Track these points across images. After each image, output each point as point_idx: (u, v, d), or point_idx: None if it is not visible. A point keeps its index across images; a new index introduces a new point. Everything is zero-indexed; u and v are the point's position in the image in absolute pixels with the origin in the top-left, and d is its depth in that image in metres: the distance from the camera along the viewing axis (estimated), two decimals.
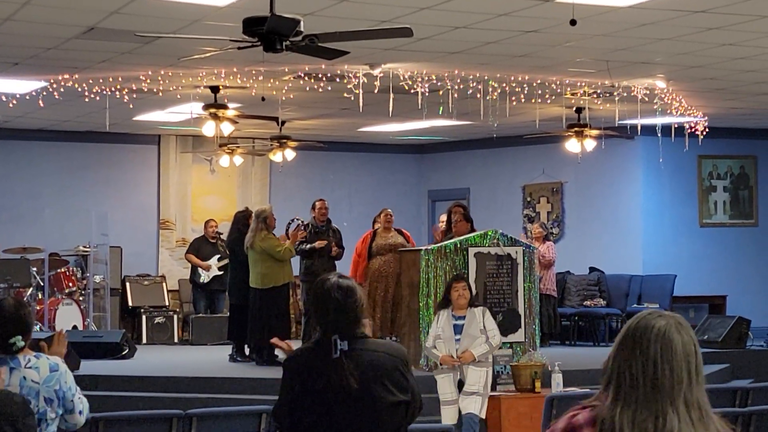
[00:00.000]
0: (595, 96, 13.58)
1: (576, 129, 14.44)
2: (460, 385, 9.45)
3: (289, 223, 12.92)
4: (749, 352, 13.96)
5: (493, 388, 10.39)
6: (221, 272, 15.50)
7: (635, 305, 16.21)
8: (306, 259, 13.03)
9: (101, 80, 12.48)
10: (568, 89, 13.21)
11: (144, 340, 15.82)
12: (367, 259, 12.88)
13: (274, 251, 12.01)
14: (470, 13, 9.58)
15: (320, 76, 12.20)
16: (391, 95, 12.37)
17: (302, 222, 13.02)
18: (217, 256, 15.91)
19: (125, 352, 12.93)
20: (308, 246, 12.95)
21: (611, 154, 16.43)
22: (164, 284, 17.20)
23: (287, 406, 4.26)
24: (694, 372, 2.58)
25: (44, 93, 12.87)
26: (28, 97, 13.31)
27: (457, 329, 9.34)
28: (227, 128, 13.29)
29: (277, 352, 12.13)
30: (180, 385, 10.78)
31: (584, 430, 2.56)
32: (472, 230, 11.82)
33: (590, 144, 14.58)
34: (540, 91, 13.11)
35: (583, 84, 13.02)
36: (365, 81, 12.03)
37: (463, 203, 13.31)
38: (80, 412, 4.87)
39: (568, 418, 2.61)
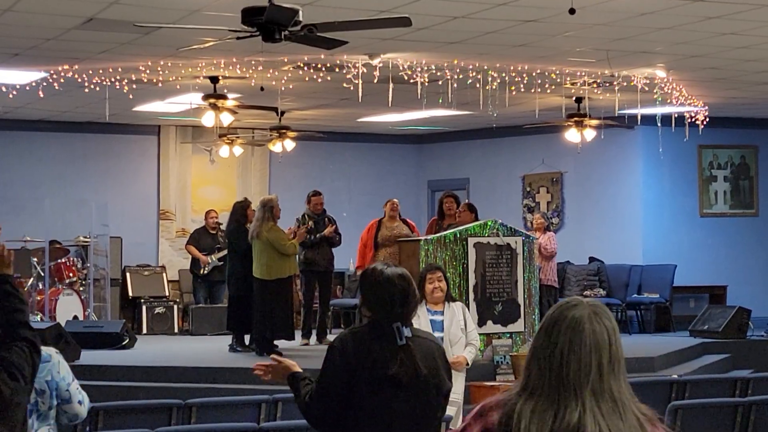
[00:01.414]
0: (594, 86, 13.56)
1: (576, 119, 14.43)
2: None
3: (299, 225, 12.89)
4: (749, 342, 13.97)
5: (493, 378, 10.42)
6: (221, 263, 15.51)
7: (635, 295, 16.22)
8: (306, 250, 13.03)
9: (101, 71, 12.47)
10: (568, 79, 13.20)
11: (144, 331, 15.83)
12: (373, 249, 12.87)
13: (280, 244, 11.99)
14: (469, 2, 9.57)
15: (319, 66, 12.18)
16: (391, 85, 12.37)
17: (299, 221, 13.04)
18: (216, 247, 15.90)
19: (125, 342, 12.94)
20: (318, 236, 12.97)
21: (611, 143, 16.42)
22: (164, 274, 17.20)
23: (335, 395, 4.20)
24: (607, 362, 2.50)
25: (44, 84, 12.86)
26: (28, 88, 13.31)
27: (436, 326, 8.13)
28: (227, 118, 13.28)
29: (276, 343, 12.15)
30: (180, 375, 10.79)
31: (493, 412, 2.55)
32: (476, 220, 11.82)
33: (590, 134, 14.57)
34: (539, 81, 13.10)
35: (583, 74, 13.00)
36: (364, 71, 12.02)
37: (454, 193, 13.30)
38: (80, 402, 4.84)
39: (483, 403, 2.62)
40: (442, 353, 4.41)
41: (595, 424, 2.44)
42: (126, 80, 12.88)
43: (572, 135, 14.58)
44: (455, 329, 8.16)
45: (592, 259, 17.02)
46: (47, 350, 4.76)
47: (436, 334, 7.55)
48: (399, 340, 4.21)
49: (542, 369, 2.51)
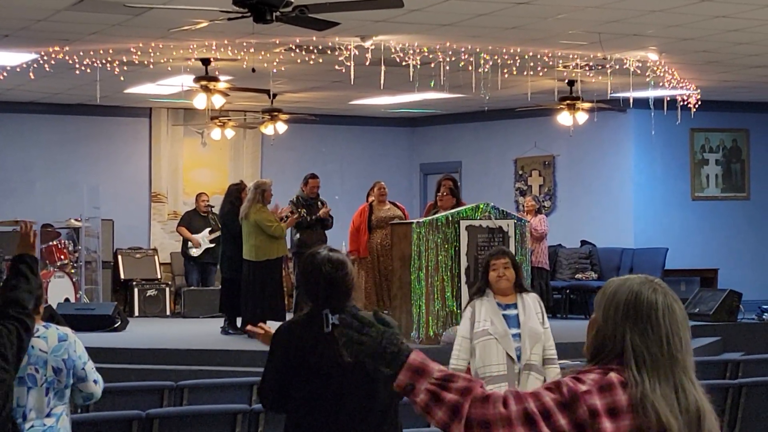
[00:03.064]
0: (587, 69, 13.55)
1: (568, 102, 14.43)
2: None
3: (291, 211, 12.87)
4: (740, 325, 14.01)
5: None
6: (213, 245, 15.50)
7: None
8: (299, 232, 13.02)
9: (92, 52, 12.42)
10: (560, 62, 13.18)
11: (136, 313, 15.82)
12: (367, 232, 12.85)
13: (266, 225, 11.98)
14: None
15: (311, 48, 12.15)
16: (383, 68, 12.34)
17: (293, 204, 13.02)
18: (208, 229, 15.90)
19: (117, 324, 12.93)
20: (314, 217, 12.96)
21: (603, 127, 16.42)
22: (156, 257, 17.19)
23: (275, 382, 4.24)
24: (690, 340, 2.61)
25: (35, 65, 12.81)
26: (18, 70, 13.26)
27: (510, 322, 6.60)
28: (218, 101, 13.26)
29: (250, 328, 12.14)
30: (172, 357, 10.79)
31: (618, 390, 2.51)
32: (459, 204, 11.78)
33: (582, 117, 14.57)
34: (532, 64, 13.08)
35: (575, 56, 12.99)
36: (356, 53, 11.99)
37: (452, 176, 13.29)
38: (95, 381, 4.91)
39: (597, 375, 2.53)
40: None
41: (703, 400, 2.54)
42: (117, 62, 12.83)
43: (564, 118, 14.58)
44: (534, 323, 6.58)
45: (583, 242, 17.04)
46: (64, 330, 4.84)
47: (512, 331, 6.49)
48: (325, 327, 4.13)
49: (654, 356, 2.53)
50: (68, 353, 4.79)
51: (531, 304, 6.65)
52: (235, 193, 12.81)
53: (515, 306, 6.59)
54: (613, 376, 2.51)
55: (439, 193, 12.06)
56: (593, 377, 2.52)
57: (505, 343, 6.41)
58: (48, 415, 4.73)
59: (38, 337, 4.72)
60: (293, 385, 4.21)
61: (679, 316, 2.58)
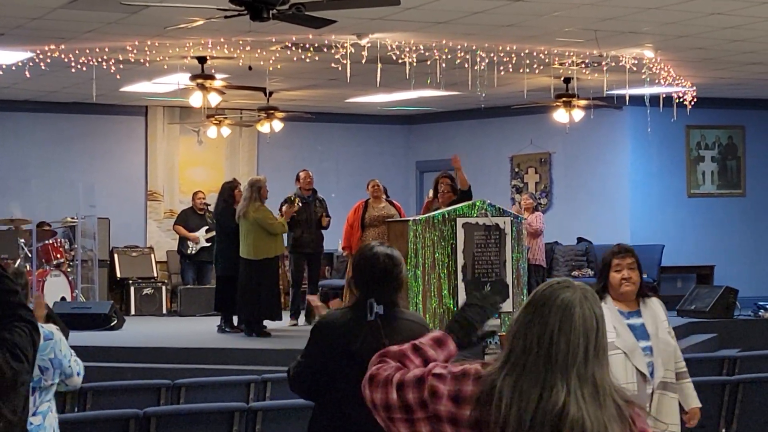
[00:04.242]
0: (583, 66, 13.56)
1: (564, 99, 14.43)
2: None
3: (283, 202, 12.88)
4: (737, 322, 14.03)
5: (481, 358, 10.43)
6: (209, 243, 15.49)
7: None
8: (294, 231, 13.02)
9: (87, 51, 12.41)
10: (556, 59, 13.19)
11: (132, 312, 15.81)
12: (360, 230, 12.86)
13: (267, 223, 11.97)
14: None
15: (308, 46, 12.15)
16: (379, 65, 12.34)
17: (291, 198, 13.02)
18: (205, 227, 15.90)
19: (113, 323, 12.92)
20: (309, 207, 12.99)
21: (599, 124, 16.42)
22: (152, 255, 17.18)
23: (312, 369, 4.31)
24: (593, 348, 2.50)
25: (30, 64, 12.80)
26: (14, 68, 13.24)
27: (638, 333, 5.59)
28: (214, 99, 13.25)
29: (263, 323, 12.15)
30: (168, 356, 10.78)
31: (469, 380, 2.55)
32: (459, 200, 11.81)
33: (578, 114, 14.57)
34: (528, 61, 13.08)
35: (571, 54, 12.99)
36: (353, 51, 11.98)
37: (450, 173, 13.29)
38: (78, 374, 4.93)
39: (464, 366, 2.61)
40: (419, 334, 4.37)
41: (578, 408, 2.44)
42: (113, 60, 12.82)
43: (560, 115, 14.58)
44: (663, 335, 5.61)
45: (580, 240, 17.05)
46: (48, 327, 4.82)
47: (641, 344, 5.52)
48: (369, 315, 4.23)
49: (528, 346, 2.49)
50: (54, 352, 4.78)
51: (657, 311, 5.67)
52: (229, 191, 12.80)
53: (639, 314, 5.62)
54: (471, 367, 2.58)
55: (440, 191, 12.08)
56: (460, 367, 2.61)
57: (635, 358, 5.43)
58: (34, 414, 4.73)
59: None
60: (332, 373, 4.26)
61: (575, 318, 2.50)
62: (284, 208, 12.69)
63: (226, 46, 12.18)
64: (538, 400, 2.45)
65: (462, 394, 2.54)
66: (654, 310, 5.63)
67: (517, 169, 18.41)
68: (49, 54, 12.37)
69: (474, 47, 12.43)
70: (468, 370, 2.57)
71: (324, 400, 4.35)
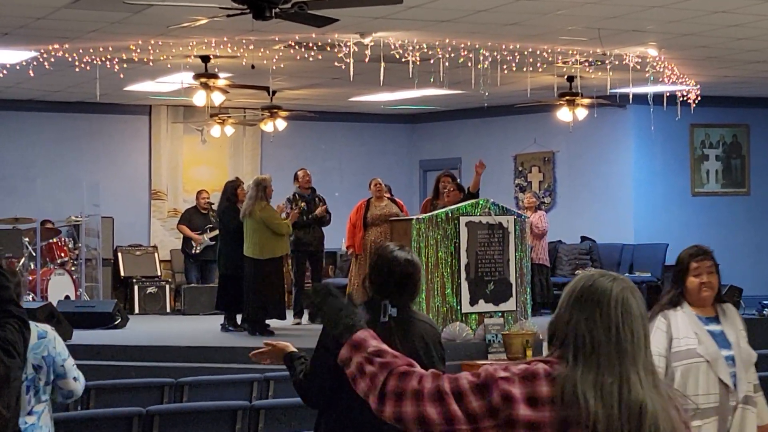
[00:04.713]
0: (586, 64, 13.54)
1: (567, 98, 14.42)
2: None
3: (291, 206, 12.88)
4: (652, 309, 13.97)
5: (484, 357, 10.43)
6: (213, 242, 15.50)
7: (627, 274, 16.22)
8: (296, 230, 13.02)
9: (91, 50, 12.42)
10: (560, 58, 13.18)
11: (136, 310, 15.82)
12: (363, 228, 12.86)
13: (273, 223, 11.97)
14: None
15: (311, 45, 12.15)
16: (382, 64, 12.34)
17: (292, 197, 13.02)
18: (209, 227, 15.89)
19: (117, 321, 12.93)
20: (311, 216, 12.98)
21: (603, 123, 16.41)
22: (156, 254, 17.19)
23: (323, 376, 4.23)
24: (647, 335, 2.56)
25: (34, 63, 12.81)
26: (18, 68, 13.25)
27: (720, 341, 5.18)
28: (218, 98, 13.25)
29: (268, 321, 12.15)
30: (172, 355, 10.78)
31: (542, 381, 2.50)
32: (465, 199, 11.83)
33: (582, 113, 14.56)
34: (531, 60, 13.07)
35: (575, 52, 12.98)
36: (356, 50, 11.98)
37: (451, 172, 13.30)
38: (75, 378, 4.89)
39: (525, 365, 2.55)
40: (437, 338, 4.38)
41: (651, 400, 2.48)
42: (116, 59, 12.83)
43: (564, 114, 14.57)
44: (744, 344, 5.24)
45: (584, 238, 17.04)
46: (43, 327, 4.80)
47: (723, 353, 5.12)
48: (382, 317, 4.21)
49: (597, 342, 2.50)
50: (48, 350, 4.76)
51: (735, 318, 5.28)
52: (232, 189, 12.81)
53: (717, 320, 5.21)
54: (540, 366, 2.51)
55: (446, 190, 12.08)
56: (521, 367, 2.54)
57: (718, 367, 5.03)
58: (29, 413, 4.71)
59: None
60: (341, 375, 4.21)
61: (633, 308, 2.54)
62: (284, 206, 12.69)
63: (229, 45, 12.19)
64: (619, 394, 2.46)
65: (538, 396, 2.48)
66: (731, 317, 5.27)
67: (520, 168, 18.40)
68: (52, 53, 12.38)
69: (477, 46, 12.42)
70: (536, 371, 2.51)
71: (331, 403, 4.31)
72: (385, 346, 2.63)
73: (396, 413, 2.53)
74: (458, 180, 12.89)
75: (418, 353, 4.17)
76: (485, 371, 2.53)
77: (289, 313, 12.98)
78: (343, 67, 12.18)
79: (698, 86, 14.98)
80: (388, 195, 13.27)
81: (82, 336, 11.38)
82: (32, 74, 13.25)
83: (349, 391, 4.20)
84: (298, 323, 13.07)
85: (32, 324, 4.74)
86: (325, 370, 4.25)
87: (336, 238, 15.32)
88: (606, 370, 2.48)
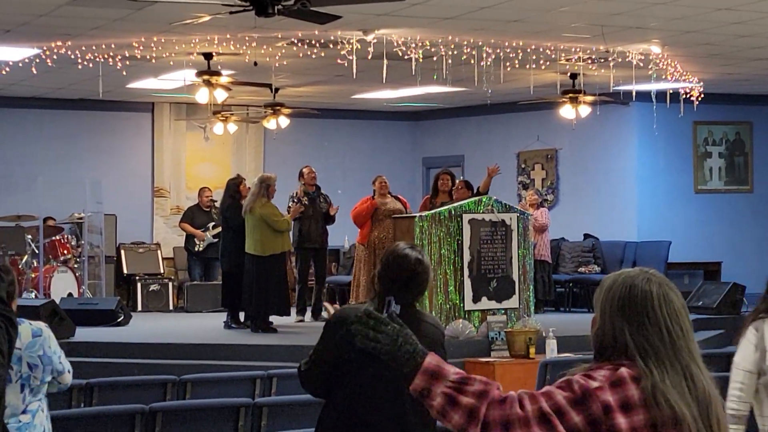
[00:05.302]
0: (589, 62, 13.53)
1: (570, 95, 14.41)
2: None
3: (292, 201, 12.85)
4: (744, 318, 13.97)
5: (488, 354, 10.43)
6: (216, 239, 15.49)
7: None
8: (299, 226, 13.02)
9: (94, 47, 12.42)
10: (563, 55, 13.16)
11: (139, 308, 15.81)
12: (370, 224, 12.79)
13: (272, 219, 11.98)
14: None
15: (313, 42, 12.14)
16: (385, 61, 12.32)
17: (296, 195, 13.00)
18: (212, 224, 15.88)
19: (120, 319, 12.93)
20: (320, 203, 12.98)
21: (606, 120, 16.40)
22: (159, 252, 17.20)
23: (324, 366, 4.30)
24: (691, 325, 2.61)
25: (37, 60, 12.81)
26: (21, 65, 13.25)
27: None
28: (221, 95, 13.25)
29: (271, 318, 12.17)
30: (175, 352, 10.79)
31: (630, 384, 2.50)
32: (473, 197, 11.84)
33: (585, 110, 14.55)
34: (534, 57, 13.07)
35: (578, 49, 12.97)
36: (359, 47, 11.98)
37: (450, 170, 13.28)
38: (69, 371, 4.89)
39: (607, 371, 2.53)
40: (440, 339, 4.39)
41: (711, 386, 2.54)
42: (119, 57, 12.83)
43: (567, 111, 14.56)
44: None
45: (586, 236, 17.03)
46: (38, 324, 4.76)
47: None
48: (385, 310, 4.22)
49: (654, 345, 2.52)
50: (43, 349, 4.71)
51: None
52: (234, 187, 12.82)
53: None
54: (624, 371, 2.51)
55: (449, 188, 12.08)
56: (604, 373, 2.51)
57: None
58: (24, 412, 4.67)
59: None
60: (343, 370, 4.27)
61: (676, 304, 2.57)
62: (291, 206, 12.69)
63: (232, 42, 12.18)
64: (689, 390, 2.50)
65: (630, 401, 2.49)
66: None
67: (523, 166, 18.40)
68: (55, 51, 12.38)
69: (480, 43, 12.41)
70: (621, 375, 2.51)
71: (333, 398, 4.35)
72: (461, 370, 2.59)
73: None
74: (463, 177, 12.87)
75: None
76: (577, 383, 2.51)
77: (293, 311, 12.98)
78: (346, 64, 12.17)
79: (701, 83, 14.97)
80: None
81: (84, 333, 11.39)
82: (35, 72, 13.25)
83: (348, 386, 4.24)
84: (301, 320, 13.07)
85: (26, 322, 4.72)
86: (321, 361, 4.31)
87: (339, 235, 15.33)
88: (672, 370, 2.52)
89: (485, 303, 11.11)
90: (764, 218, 17.77)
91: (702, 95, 15.04)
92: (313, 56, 12.80)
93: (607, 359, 2.56)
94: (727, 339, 13.07)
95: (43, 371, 4.70)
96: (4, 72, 13.45)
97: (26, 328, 4.67)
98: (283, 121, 15.41)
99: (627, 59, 13.20)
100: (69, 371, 4.88)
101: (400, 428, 4.27)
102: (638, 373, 2.50)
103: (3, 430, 4.20)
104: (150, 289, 16.13)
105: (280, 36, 11.85)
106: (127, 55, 12.73)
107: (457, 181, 12.89)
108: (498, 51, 12.67)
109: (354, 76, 12.85)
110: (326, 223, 13.24)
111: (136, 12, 10.65)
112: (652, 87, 14.48)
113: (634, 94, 14.53)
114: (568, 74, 14.34)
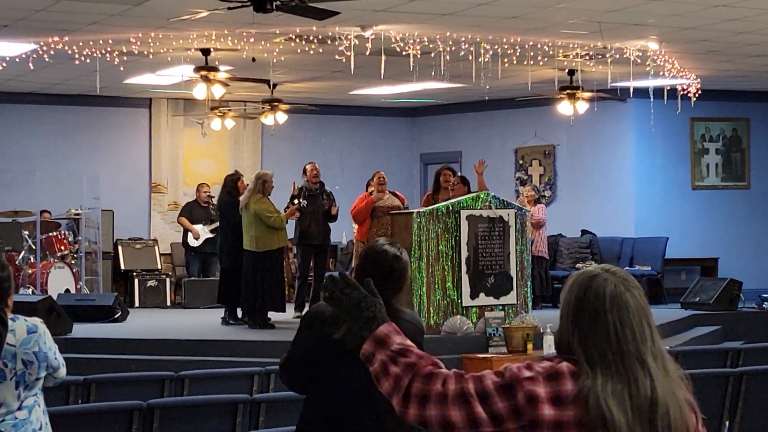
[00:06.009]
0: (587, 58, 13.53)
1: (568, 91, 14.41)
2: None
3: (292, 198, 12.83)
4: (741, 314, 14.02)
5: (485, 350, 10.43)
6: (213, 235, 15.49)
7: (627, 267, 16.24)
8: (302, 223, 12.99)
9: (91, 43, 12.41)
10: (561, 51, 13.17)
11: (136, 304, 15.82)
12: (370, 219, 12.78)
13: (265, 216, 11.98)
14: None
15: (311, 38, 12.14)
16: (383, 57, 12.32)
17: (295, 194, 12.98)
18: (210, 219, 15.87)
19: (117, 315, 12.92)
20: (323, 198, 12.98)
21: (603, 116, 16.41)
22: (156, 248, 17.19)
23: (302, 361, 4.33)
24: (653, 324, 2.54)
25: (34, 56, 12.79)
26: (18, 60, 13.24)
27: None
28: (218, 91, 13.24)
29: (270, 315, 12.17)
30: (172, 348, 10.78)
31: (566, 379, 2.49)
32: (469, 192, 11.84)
33: (582, 106, 14.56)
34: (532, 53, 13.07)
35: (576, 46, 12.97)
36: (356, 43, 11.97)
37: (451, 166, 13.28)
38: (63, 365, 4.88)
39: (550, 363, 2.52)
40: (415, 336, 4.37)
41: (659, 389, 2.47)
42: (116, 52, 12.82)
43: (565, 108, 14.56)
44: None
45: (584, 232, 17.04)
46: (32, 320, 4.72)
47: None
48: None
49: (601, 349, 2.49)
50: (39, 346, 4.66)
51: None
52: (231, 183, 12.82)
53: None
54: (564, 365, 2.50)
55: (448, 184, 12.07)
56: (544, 365, 2.51)
57: None
58: (19, 409, 4.66)
59: None
60: (320, 364, 4.28)
61: (631, 304, 2.51)
62: (289, 206, 12.67)
63: (229, 38, 12.17)
64: (630, 397, 2.45)
65: (562, 395, 2.47)
66: None
67: (521, 162, 18.40)
68: (52, 46, 12.36)
69: (478, 39, 12.41)
70: (560, 369, 2.50)
71: (312, 393, 4.37)
72: (409, 343, 2.60)
73: (420, 416, 2.51)
74: (460, 173, 12.86)
75: None
76: (509, 371, 2.51)
77: (289, 306, 12.98)
78: (344, 60, 12.16)
79: (698, 80, 14.97)
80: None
81: (82, 329, 11.38)
82: (32, 67, 13.24)
83: (324, 382, 4.25)
84: (299, 317, 13.06)
85: (21, 318, 4.68)
86: (298, 356, 4.35)
87: (337, 231, 15.32)
88: (615, 377, 2.47)
89: (483, 299, 11.12)
90: (761, 214, 17.80)
91: (699, 92, 15.04)
92: (311, 52, 12.80)
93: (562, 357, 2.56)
94: (724, 335, 13.10)
95: (38, 367, 4.67)
96: (1, 67, 13.43)
97: (21, 324, 4.64)
98: (281, 117, 15.40)
99: (624, 56, 13.20)
100: (63, 365, 4.86)
101: (376, 426, 4.28)
102: (579, 370, 2.48)
103: None
104: (147, 285, 16.13)
105: (277, 32, 11.84)
106: (125, 50, 12.72)
107: (452, 179, 12.88)
108: (496, 47, 12.67)
109: (352, 72, 12.85)
110: (329, 221, 13.21)
111: (134, 7, 10.65)
112: (650, 83, 14.49)
113: (631, 90, 14.54)
114: (566, 70, 14.34)
